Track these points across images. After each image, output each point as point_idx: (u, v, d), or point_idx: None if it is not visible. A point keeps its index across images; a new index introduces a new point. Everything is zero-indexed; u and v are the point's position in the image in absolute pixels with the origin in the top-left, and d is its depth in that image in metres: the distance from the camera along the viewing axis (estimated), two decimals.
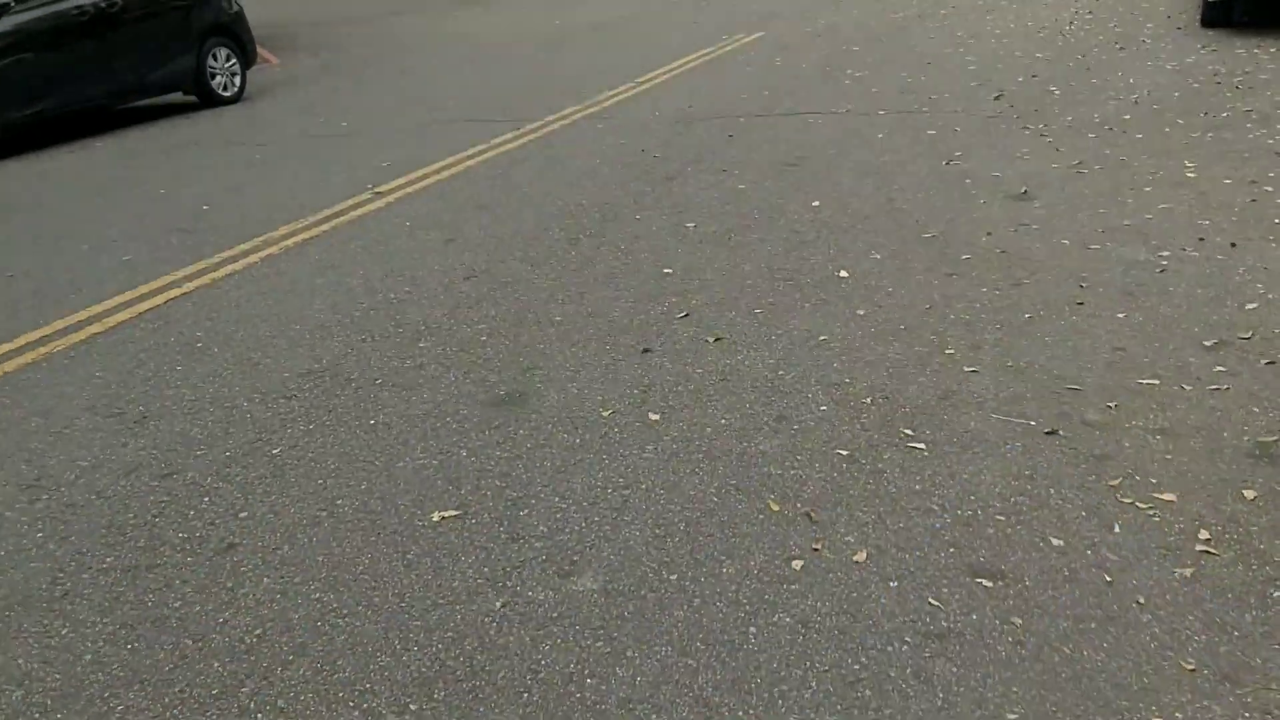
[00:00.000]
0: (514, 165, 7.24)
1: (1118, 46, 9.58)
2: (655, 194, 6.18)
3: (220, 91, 11.05)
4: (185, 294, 5.13)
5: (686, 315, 4.35)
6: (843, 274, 4.68)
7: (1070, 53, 9.53)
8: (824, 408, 3.45)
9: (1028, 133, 6.83)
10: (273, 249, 5.72)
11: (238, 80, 11.29)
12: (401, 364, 4.09)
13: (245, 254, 5.69)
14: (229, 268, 5.47)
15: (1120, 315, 3.99)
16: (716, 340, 4.07)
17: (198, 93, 10.94)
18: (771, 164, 6.65)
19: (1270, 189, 5.27)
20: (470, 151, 7.76)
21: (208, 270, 5.47)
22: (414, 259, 5.36)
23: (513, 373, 3.93)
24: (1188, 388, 3.40)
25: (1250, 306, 3.98)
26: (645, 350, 4.02)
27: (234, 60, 11.26)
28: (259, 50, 13.81)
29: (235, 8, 11.42)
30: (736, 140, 7.38)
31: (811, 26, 13.02)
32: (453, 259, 5.31)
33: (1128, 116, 7.02)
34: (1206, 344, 3.70)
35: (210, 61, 10.94)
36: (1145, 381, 3.45)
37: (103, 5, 9.72)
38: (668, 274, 4.85)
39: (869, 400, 3.48)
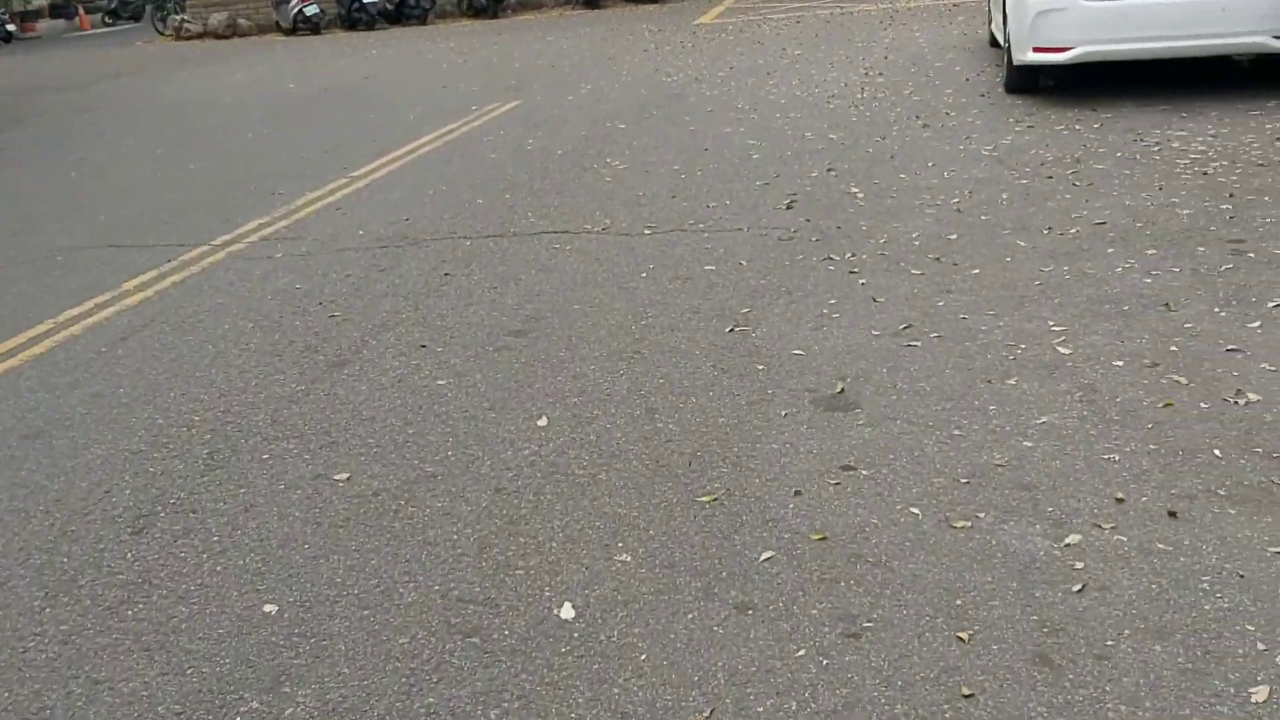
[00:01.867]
0: (92, 361, 5.04)
1: (920, 122, 8.16)
2: (302, 406, 4.12)
3: None
4: None
5: None
6: (566, 614, 2.76)
7: (867, 132, 8.04)
8: None
9: (833, 268, 5.14)
10: None
11: None
12: None
13: None
14: None
15: None
16: None
17: None
18: (491, 331, 4.71)
19: (1182, 378, 3.67)
20: (41, 329, 5.51)
21: None
22: None
23: None
24: None
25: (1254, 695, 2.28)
26: None
27: None
28: None
29: None
30: (453, 283, 5.42)
31: (574, 94, 11.24)
32: None
33: (954, 236, 5.44)
34: None
35: None
36: None
37: None
38: (269, 612, 2.84)
39: None
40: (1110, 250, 5.01)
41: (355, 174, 8.34)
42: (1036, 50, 8.18)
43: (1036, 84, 8.78)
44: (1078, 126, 7.53)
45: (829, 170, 7.03)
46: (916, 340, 4.18)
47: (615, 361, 4.27)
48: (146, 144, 10.82)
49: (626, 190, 7.02)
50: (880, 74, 10.54)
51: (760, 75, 11.21)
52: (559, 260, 5.66)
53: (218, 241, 6.68)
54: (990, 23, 11.28)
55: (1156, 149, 6.73)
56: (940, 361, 3.98)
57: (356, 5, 22.88)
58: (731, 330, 4.46)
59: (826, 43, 13.25)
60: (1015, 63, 8.53)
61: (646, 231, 6.04)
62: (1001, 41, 9.61)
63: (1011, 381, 3.76)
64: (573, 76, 12.59)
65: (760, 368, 4.07)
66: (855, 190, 6.48)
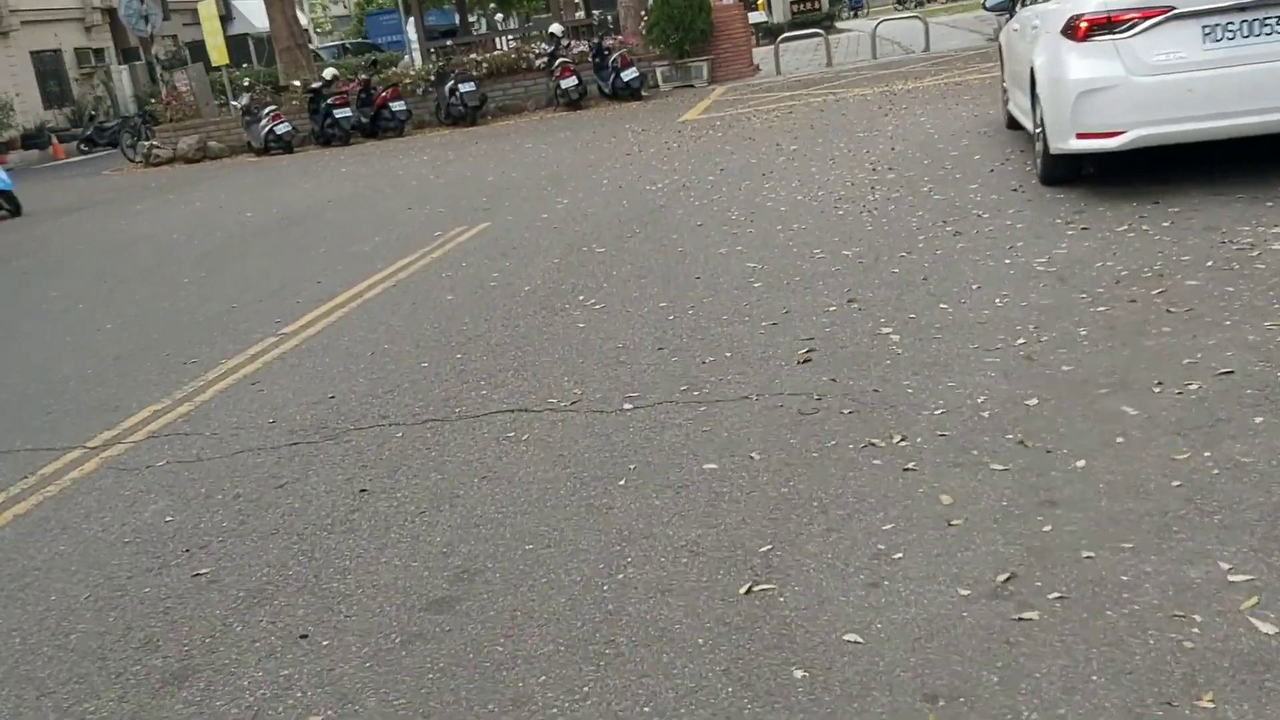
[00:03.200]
0: None
1: (950, 229, 6.88)
2: None
3: None
4: None
5: None
6: None
7: (889, 245, 6.75)
8: None
9: (878, 461, 3.76)
10: None
11: None
12: None
13: None
14: None
15: None
16: None
17: None
18: (404, 604, 3.31)
19: None
20: None
21: None
22: None
23: None
24: None
25: None
26: None
27: None
28: None
29: None
30: (368, 508, 4.04)
31: (549, 210, 10.02)
32: None
33: (1033, 400, 4.07)
34: None
35: None
36: None
37: None
38: None
39: None
40: (1258, 419, 3.64)
41: (288, 329, 7.05)
42: (1081, 137, 6.92)
43: (1078, 173, 7.51)
44: (1144, 227, 6.22)
45: (850, 301, 5.70)
46: (1030, 610, 2.78)
47: (577, 662, 2.87)
48: (69, 297, 9.58)
49: (603, 340, 5.70)
50: (890, 169, 9.31)
51: (754, 177, 9.99)
52: (511, 460, 4.29)
53: (96, 442, 5.33)
54: (1008, 102, 10.09)
55: (1255, 254, 5.41)
56: (1077, 658, 2.57)
57: (329, 121, 21.95)
58: (748, 591, 3.07)
59: (825, 134, 12.08)
60: (1053, 151, 7.28)
61: (627, 406, 4.69)
62: (1028, 125, 8.38)
63: (1206, 704, 2.35)
64: (549, 189, 11.40)
65: (799, 675, 2.66)
66: (888, 329, 5.14)
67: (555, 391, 5.03)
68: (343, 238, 10.38)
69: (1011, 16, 9.67)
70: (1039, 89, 7.39)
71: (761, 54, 23.89)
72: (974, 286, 5.62)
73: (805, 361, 4.90)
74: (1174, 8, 6.51)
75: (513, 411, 4.86)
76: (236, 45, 32.58)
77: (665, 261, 7.27)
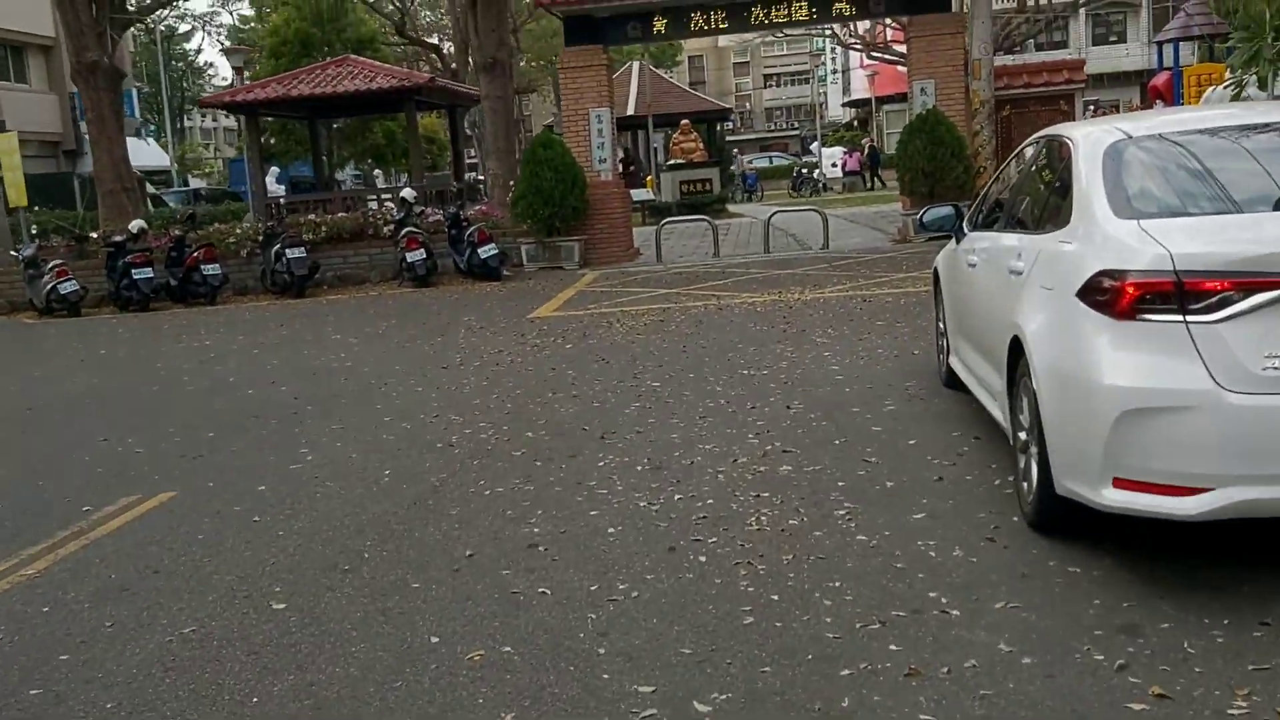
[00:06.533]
0: None
1: (894, 642, 3.74)
2: None
3: None
4: None
5: None
6: None
7: (779, 677, 3.56)
8: None
9: None
10: None
11: None
12: None
13: None
14: None
15: None
16: None
17: None
18: None
19: None
20: None
21: None
22: None
23: None
24: None
25: None
26: None
27: None
28: None
29: None
30: None
31: (276, 476, 6.64)
32: None
33: None
34: None
35: None
36: None
37: None
38: None
39: None
40: None
41: None
42: (1123, 486, 3.90)
43: (1079, 519, 4.45)
44: (1250, 663, 3.15)
45: None
46: None
47: None
48: None
49: None
50: (785, 449, 6.23)
51: (589, 443, 6.78)
52: None
53: None
54: (948, 353, 7.21)
55: None
56: None
57: (126, 282, 18.40)
58: None
59: (699, 365, 9.05)
60: (1061, 492, 4.25)
61: None
62: (999, 418, 5.42)
63: None
64: (309, 422, 8.04)
65: None
66: None
67: None
68: None
69: (958, 240, 6.87)
70: (1038, 381, 4.41)
71: (646, 233, 21.29)
72: None
73: None
74: None
75: None
76: (57, 184, 28.91)
77: (367, 654, 3.92)
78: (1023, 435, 4.79)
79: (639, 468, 6.14)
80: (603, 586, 4.42)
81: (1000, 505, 4.99)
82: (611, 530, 5.11)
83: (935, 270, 7.72)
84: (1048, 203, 5.29)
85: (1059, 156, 5.28)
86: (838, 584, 4.26)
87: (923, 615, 3.91)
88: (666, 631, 3.94)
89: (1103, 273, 4.07)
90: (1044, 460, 4.38)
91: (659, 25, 18.76)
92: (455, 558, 4.91)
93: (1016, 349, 4.80)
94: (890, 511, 5.05)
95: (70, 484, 6.85)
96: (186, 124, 66.49)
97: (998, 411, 5.44)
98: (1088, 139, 4.91)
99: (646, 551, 4.79)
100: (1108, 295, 4.01)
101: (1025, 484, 4.76)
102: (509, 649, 3.93)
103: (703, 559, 4.64)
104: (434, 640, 4.02)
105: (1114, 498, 3.92)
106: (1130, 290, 3.92)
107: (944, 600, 4.02)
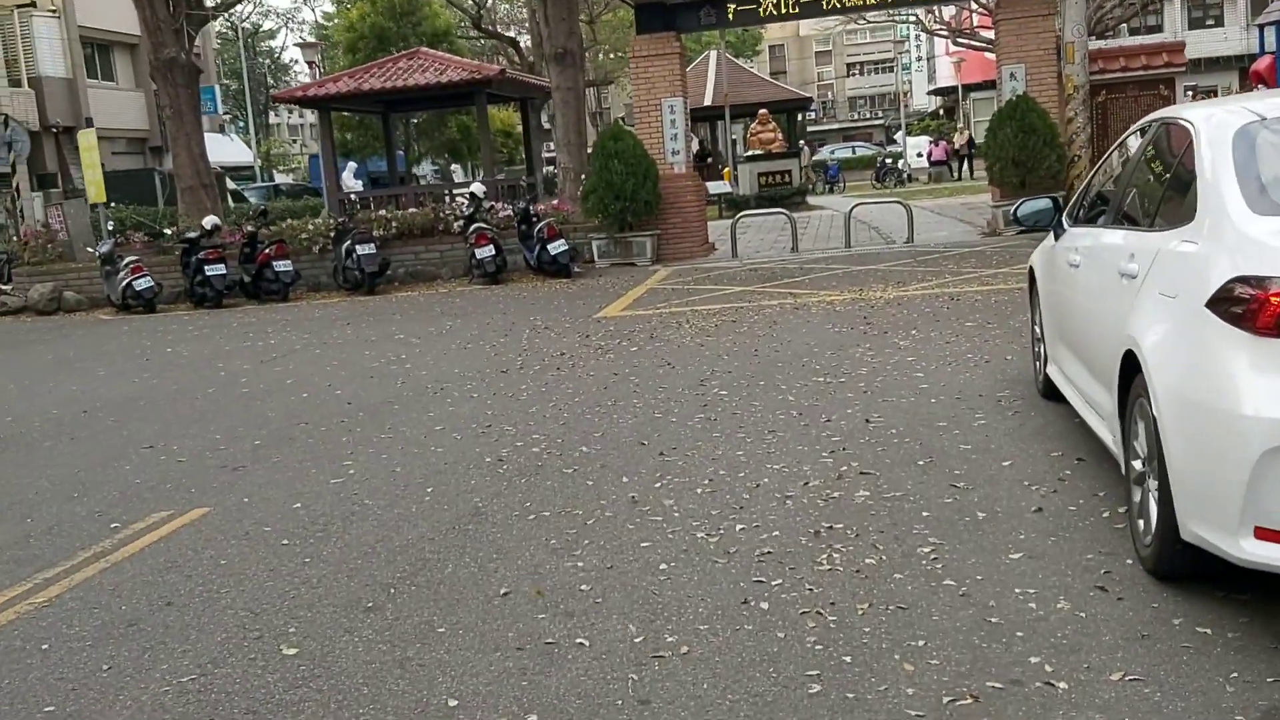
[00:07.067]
0: None
1: None
2: None
3: None
4: None
5: None
6: None
7: None
8: None
9: None
10: None
11: None
12: None
13: None
14: None
15: None
16: None
17: None
18: None
19: None
20: None
21: None
22: None
23: None
24: None
25: None
26: None
27: None
28: None
29: None
30: None
31: (318, 490, 6.23)
32: None
33: None
34: None
35: None
36: None
37: None
38: None
39: None
40: None
41: None
42: (1265, 537, 3.25)
43: (1209, 566, 3.78)
44: None
45: None
46: None
47: None
48: None
49: None
50: (864, 471, 5.62)
51: (646, 458, 6.24)
52: None
53: None
54: (1045, 361, 6.53)
55: None
56: None
57: (199, 278, 18.38)
58: None
59: (771, 371, 8.46)
60: (1187, 538, 3.60)
61: None
62: (1109, 442, 4.75)
63: None
64: (359, 429, 7.65)
65: None
66: None
67: None
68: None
69: (1057, 236, 6.19)
70: (1158, 406, 3.76)
71: (723, 227, 20.66)
72: None
73: None
74: None
75: None
76: (141, 180, 29.25)
77: (375, 718, 3.45)
78: (1138, 465, 4.14)
79: (699, 490, 5.59)
80: (648, 639, 3.88)
81: (1111, 544, 4.34)
82: (664, 567, 4.57)
83: (1030, 269, 7.02)
84: (1164, 196, 4.61)
85: (1177, 142, 4.59)
86: (921, 643, 3.66)
87: (1024, 688, 3.30)
88: (718, 701, 3.39)
89: (1238, 279, 3.42)
90: (1166, 497, 3.73)
91: (732, 10, 18.11)
92: (489, 596, 4.42)
93: (1131, 364, 4.14)
94: (982, 550, 4.43)
95: (105, 497, 6.54)
96: (273, 120, 67.41)
97: (1106, 433, 4.77)
98: (1211, 121, 4.23)
99: (701, 595, 4.24)
100: (1245, 306, 3.35)
101: (1141, 521, 4.10)
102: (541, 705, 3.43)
103: (765, 605, 4.08)
104: (452, 704, 3.52)
105: (1256, 551, 3.27)
106: (1274, 301, 3.26)
107: (1048, 668, 3.41)
